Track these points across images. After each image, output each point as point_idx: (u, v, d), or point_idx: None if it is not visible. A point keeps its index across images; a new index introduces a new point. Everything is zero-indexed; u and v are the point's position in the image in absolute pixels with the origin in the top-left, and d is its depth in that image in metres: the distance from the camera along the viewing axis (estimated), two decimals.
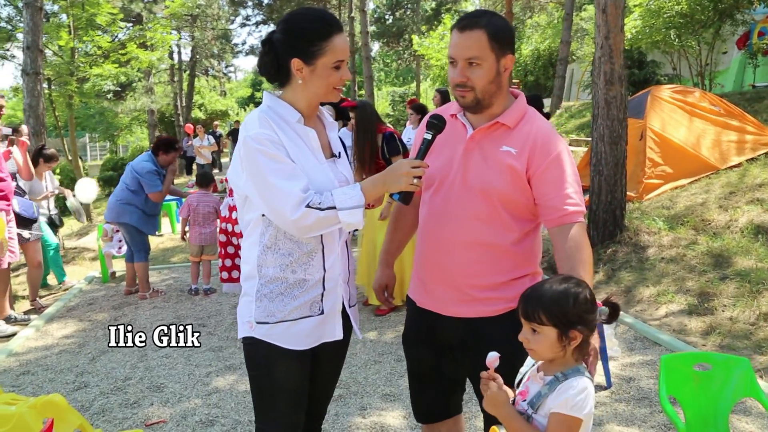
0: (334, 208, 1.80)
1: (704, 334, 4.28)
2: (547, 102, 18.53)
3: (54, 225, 6.49)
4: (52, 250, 6.33)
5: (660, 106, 8.16)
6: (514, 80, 22.60)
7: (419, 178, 1.83)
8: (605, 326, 3.90)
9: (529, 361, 1.71)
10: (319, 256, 1.92)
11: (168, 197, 7.23)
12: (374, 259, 4.88)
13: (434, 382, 2.17)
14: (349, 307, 2.06)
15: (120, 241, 6.62)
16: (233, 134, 19.30)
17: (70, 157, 11.35)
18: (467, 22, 1.84)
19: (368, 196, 1.85)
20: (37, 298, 5.75)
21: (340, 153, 2.07)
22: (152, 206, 5.76)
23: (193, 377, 3.99)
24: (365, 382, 3.81)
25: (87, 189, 7.34)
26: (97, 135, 23.52)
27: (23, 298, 6.02)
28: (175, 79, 26.62)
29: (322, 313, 1.95)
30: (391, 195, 1.90)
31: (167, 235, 9.65)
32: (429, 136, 1.89)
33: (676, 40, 11.86)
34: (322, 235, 1.90)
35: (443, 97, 8.94)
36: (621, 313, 4.65)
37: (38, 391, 3.80)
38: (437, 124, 1.90)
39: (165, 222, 10.12)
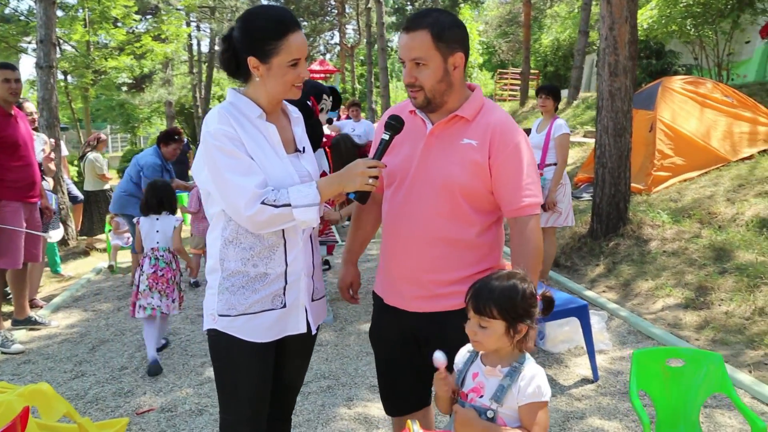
0: (289, 205, 1.83)
1: (698, 328, 4.24)
2: (564, 93, 18.36)
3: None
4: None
5: (671, 97, 8.05)
6: (532, 71, 22.40)
7: (375, 178, 1.85)
8: (594, 320, 3.90)
9: (462, 358, 1.73)
10: (281, 250, 1.96)
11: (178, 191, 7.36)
12: None
13: (402, 376, 2.20)
14: (312, 300, 2.09)
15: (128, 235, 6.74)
16: None
17: None
18: (412, 23, 1.85)
19: (324, 194, 1.88)
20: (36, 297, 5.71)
21: (304, 148, 2.10)
22: None
23: (187, 367, 4.07)
24: (355, 374, 3.85)
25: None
26: (118, 127, 23.86)
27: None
28: (195, 70, 26.85)
29: (285, 306, 1.98)
30: (347, 194, 1.92)
31: None
32: (386, 137, 1.92)
33: (692, 30, 11.64)
34: (283, 230, 1.93)
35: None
36: (617, 306, 4.67)
37: (37, 380, 3.91)
38: (395, 125, 1.92)
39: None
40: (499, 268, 2.02)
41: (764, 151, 7.56)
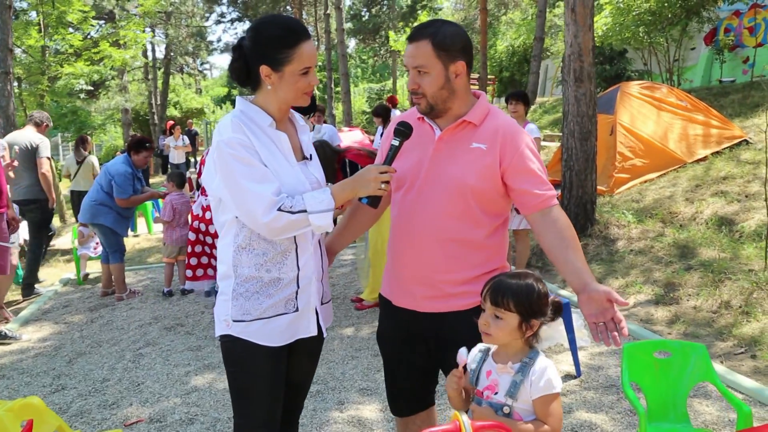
0: (305, 211, 1.86)
1: (669, 322, 4.44)
2: None
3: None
4: None
5: (629, 101, 8.36)
6: (489, 76, 22.86)
7: (387, 183, 1.91)
8: (574, 318, 4.02)
9: (475, 357, 1.80)
10: (293, 256, 1.99)
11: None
12: (381, 257, 4.90)
13: (410, 377, 2.24)
14: (321, 304, 2.13)
15: (97, 243, 6.60)
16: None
17: None
18: (415, 33, 1.94)
19: (338, 200, 1.93)
20: (3, 307, 5.47)
21: (311, 155, 2.14)
22: (126, 208, 5.75)
23: (171, 377, 4.02)
24: (342, 378, 3.88)
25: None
26: (70, 134, 23.16)
27: None
28: (150, 77, 26.34)
29: (297, 310, 2.01)
30: (359, 199, 1.97)
31: (143, 236, 9.61)
32: (396, 143, 1.98)
33: (645, 37, 12.12)
34: (295, 236, 1.97)
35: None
36: None
37: (14, 395, 3.80)
38: (404, 131, 1.98)
39: (141, 222, 10.08)
40: (504, 269, 2.11)
41: (717, 152, 7.91)
